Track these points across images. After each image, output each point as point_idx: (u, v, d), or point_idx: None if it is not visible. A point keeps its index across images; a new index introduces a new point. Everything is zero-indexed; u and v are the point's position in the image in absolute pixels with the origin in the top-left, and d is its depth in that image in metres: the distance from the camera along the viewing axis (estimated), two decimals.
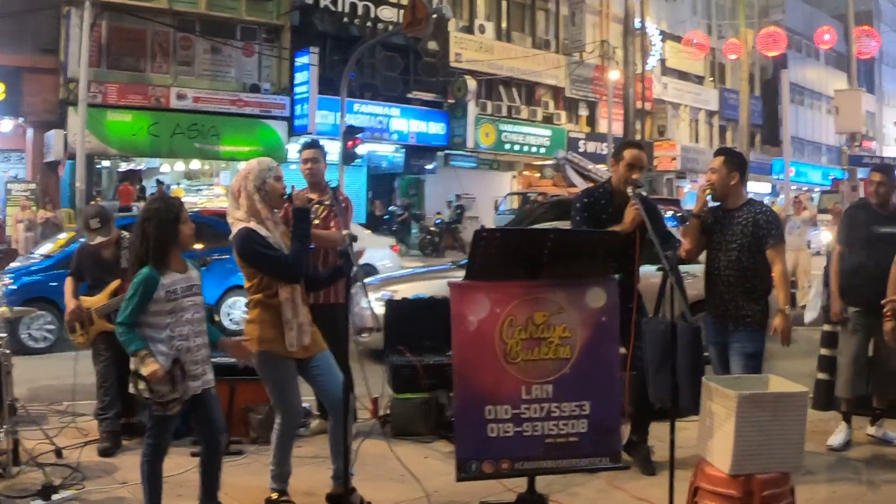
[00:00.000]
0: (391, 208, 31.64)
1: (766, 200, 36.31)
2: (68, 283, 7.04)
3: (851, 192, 27.65)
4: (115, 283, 6.85)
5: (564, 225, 10.73)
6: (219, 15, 27.53)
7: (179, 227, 4.87)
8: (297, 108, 28.39)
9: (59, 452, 6.42)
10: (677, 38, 42.68)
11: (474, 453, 5.11)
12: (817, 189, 47.72)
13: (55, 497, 5.52)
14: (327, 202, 6.69)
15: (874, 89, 62.62)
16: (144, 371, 4.62)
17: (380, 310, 8.50)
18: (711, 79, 48.88)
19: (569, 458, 5.24)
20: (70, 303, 6.91)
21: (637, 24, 32.65)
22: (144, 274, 4.75)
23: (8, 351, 6.28)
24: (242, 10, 27.97)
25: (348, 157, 24.85)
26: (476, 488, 5.55)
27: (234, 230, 5.20)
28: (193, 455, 5.11)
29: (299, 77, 28.34)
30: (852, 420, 7.01)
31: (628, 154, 6.22)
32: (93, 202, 19.88)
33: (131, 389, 4.82)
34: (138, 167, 29.79)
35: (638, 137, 30.62)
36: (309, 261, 6.14)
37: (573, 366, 5.20)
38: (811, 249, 18.33)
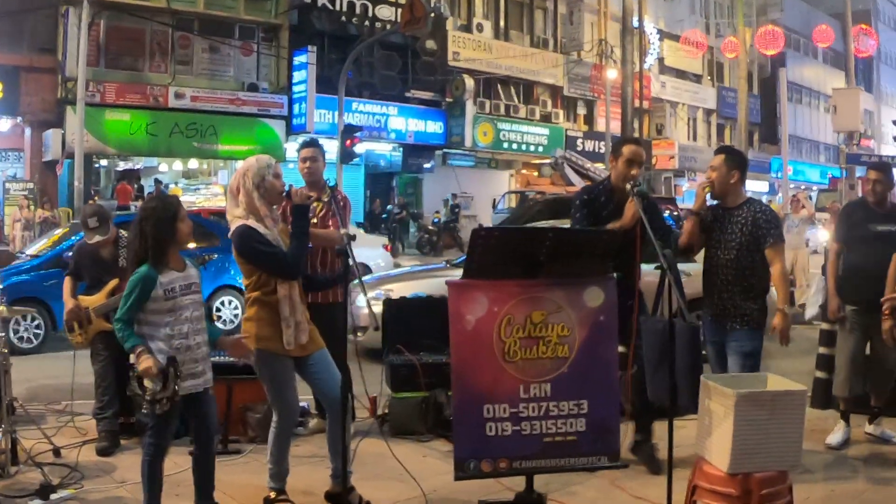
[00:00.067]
0: (388, 207, 31.65)
1: (764, 199, 36.33)
2: (66, 283, 7.03)
3: (849, 190, 27.69)
4: (113, 283, 6.85)
5: (559, 223, 10.76)
6: (217, 14, 27.53)
7: (177, 225, 4.87)
8: (296, 107, 28.39)
9: (57, 452, 6.41)
10: (675, 37, 42.75)
11: (473, 452, 5.11)
12: (815, 188, 47.82)
13: (53, 496, 5.52)
14: (325, 199, 6.69)
15: (872, 88, 62.67)
16: (139, 367, 4.61)
17: (375, 309, 8.50)
18: (709, 77, 48.89)
19: (567, 456, 5.24)
20: (68, 302, 6.90)
21: (635, 22, 32.63)
22: (142, 272, 4.75)
23: (6, 350, 6.27)
24: (240, 10, 27.98)
25: (346, 155, 24.83)
26: (474, 487, 5.55)
27: (233, 228, 5.20)
28: (191, 454, 5.11)
29: (297, 76, 28.36)
30: (851, 418, 7.01)
31: (627, 150, 6.21)
32: (91, 201, 19.89)
33: (129, 392, 4.82)
34: (136, 166, 29.76)
35: (636, 136, 30.59)
36: (308, 260, 6.14)
37: (571, 365, 5.20)
38: (809, 248, 18.34)
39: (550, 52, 38.10)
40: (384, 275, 12.24)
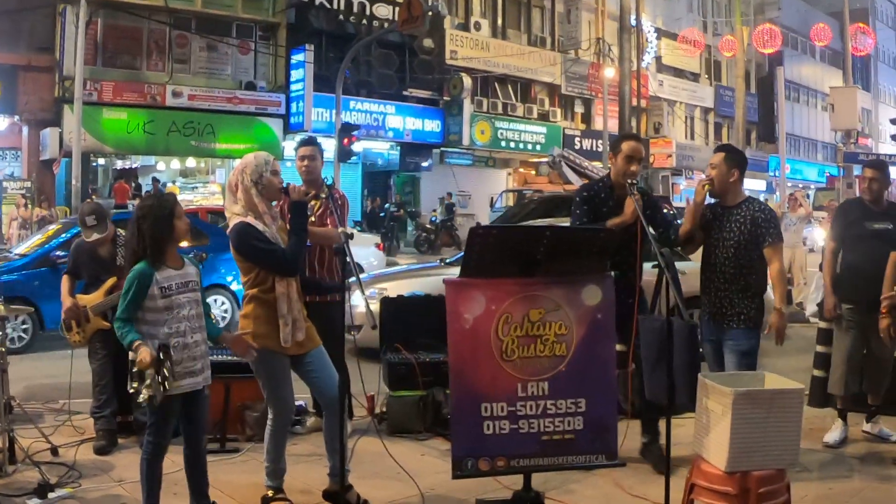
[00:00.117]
0: (386, 206, 31.66)
1: (762, 197, 36.33)
2: (64, 281, 7.02)
3: (847, 189, 27.69)
4: (111, 281, 6.85)
5: (554, 221, 10.76)
6: (214, 12, 27.52)
7: (174, 222, 4.86)
8: (293, 106, 28.37)
9: (55, 451, 6.40)
10: (673, 36, 42.74)
11: (470, 451, 5.11)
12: (813, 186, 47.83)
13: (51, 495, 5.51)
14: (324, 196, 6.68)
15: (869, 86, 62.72)
16: (137, 359, 4.60)
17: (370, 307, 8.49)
18: (707, 76, 48.94)
19: (565, 455, 5.24)
20: (66, 301, 6.89)
21: (633, 21, 32.65)
22: (138, 269, 4.75)
23: (4, 349, 6.26)
24: (238, 8, 27.97)
25: (344, 154, 24.84)
26: (472, 486, 5.56)
27: (231, 224, 5.20)
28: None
29: (295, 74, 28.36)
30: (848, 417, 7.01)
31: (626, 146, 6.21)
32: (88, 200, 19.88)
33: (130, 389, 4.81)
34: (134, 165, 29.76)
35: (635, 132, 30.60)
36: (306, 259, 6.14)
37: (569, 363, 5.20)
38: (806, 246, 18.36)
39: (548, 50, 38.14)
40: (378, 273, 12.23)
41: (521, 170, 37.66)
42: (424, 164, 33.68)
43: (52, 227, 13.21)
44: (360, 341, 8.57)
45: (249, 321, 5.20)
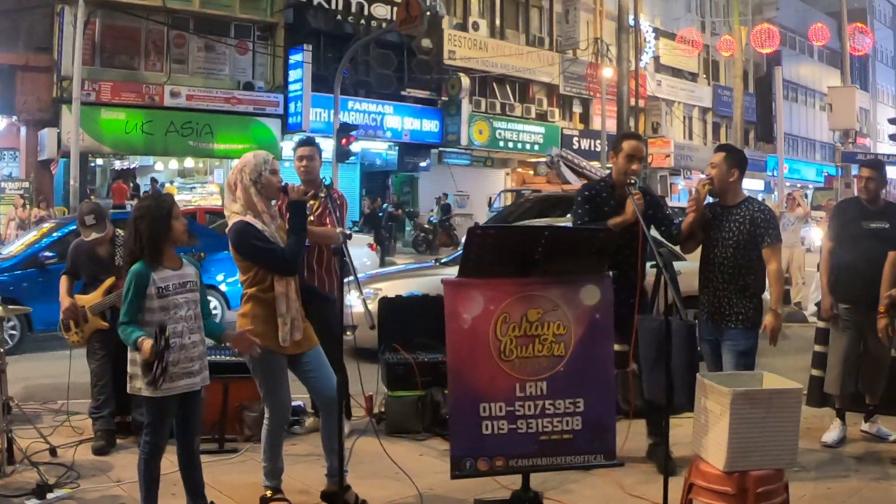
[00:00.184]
0: (384, 206, 31.65)
1: (760, 197, 36.34)
2: (63, 281, 7.02)
3: (845, 188, 27.68)
4: (109, 281, 6.85)
5: (549, 221, 10.76)
6: (212, 13, 27.49)
7: (172, 222, 4.86)
8: (291, 106, 28.36)
9: (53, 451, 6.40)
10: (671, 35, 42.76)
11: (469, 451, 5.11)
12: (811, 186, 47.86)
13: (50, 496, 5.51)
14: (323, 196, 6.68)
15: (868, 86, 62.75)
16: (142, 351, 4.59)
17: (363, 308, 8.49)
18: (705, 76, 48.94)
19: (563, 455, 5.24)
20: (65, 301, 6.89)
21: (631, 21, 32.65)
22: (135, 270, 4.75)
23: (2, 349, 6.27)
24: (236, 8, 27.95)
25: (342, 154, 24.83)
26: (471, 486, 5.56)
27: (230, 223, 5.20)
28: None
29: (293, 74, 28.34)
30: (846, 416, 7.02)
31: (627, 145, 6.22)
32: (87, 200, 19.86)
33: (130, 390, 4.82)
34: (132, 165, 29.74)
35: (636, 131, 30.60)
36: (304, 258, 6.14)
37: (567, 363, 5.20)
38: (804, 246, 18.37)
39: (546, 50, 38.14)
40: (373, 273, 12.23)
41: (520, 170, 37.65)
42: (423, 164, 33.66)
43: (41, 228, 13.10)
44: (359, 341, 8.58)
45: (248, 320, 5.20)
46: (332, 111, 26.01)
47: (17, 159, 26.57)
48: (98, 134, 24.85)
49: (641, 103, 37.78)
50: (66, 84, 24.00)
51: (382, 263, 23.65)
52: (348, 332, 9.16)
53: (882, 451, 6.73)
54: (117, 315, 6.07)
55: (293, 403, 6.09)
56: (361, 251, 16.89)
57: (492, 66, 34.96)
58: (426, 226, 31.08)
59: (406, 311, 8.05)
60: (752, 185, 44.99)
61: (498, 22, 36.62)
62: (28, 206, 23.14)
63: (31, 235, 12.93)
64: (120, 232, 6.84)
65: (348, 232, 5.61)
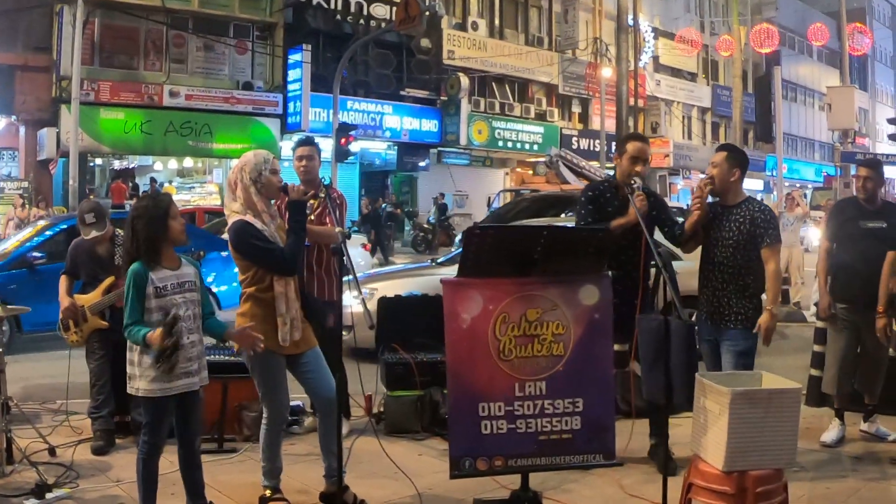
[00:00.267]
0: (383, 206, 31.64)
1: (759, 197, 36.34)
2: (62, 281, 7.02)
3: (844, 188, 27.67)
4: (108, 280, 6.85)
5: (544, 221, 10.77)
6: (212, 12, 27.49)
7: (169, 222, 4.85)
8: (290, 106, 28.37)
9: (52, 451, 6.40)
10: (670, 35, 42.77)
11: (468, 450, 5.11)
12: (810, 186, 47.84)
13: (49, 496, 5.51)
14: (322, 196, 6.68)
15: (867, 86, 62.77)
16: (153, 343, 4.59)
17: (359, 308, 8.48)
18: (704, 76, 48.94)
19: (562, 455, 5.24)
20: (64, 300, 6.89)
21: (630, 20, 32.66)
22: (133, 270, 4.74)
23: (1, 349, 6.26)
24: (235, 8, 27.95)
25: (341, 154, 24.82)
26: (470, 485, 5.56)
27: (230, 223, 5.19)
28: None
29: (292, 74, 28.35)
30: (845, 416, 7.02)
31: (631, 147, 6.22)
32: (86, 199, 19.85)
33: (129, 389, 4.81)
34: (131, 165, 29.74)
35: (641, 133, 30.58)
36: (303, 258, 6.13)
37: (566, 363, 5.20)
38: (803, 246, 18.37)
39: (545, 50, 38.15)
40: (368, 273, 12.23)
41: (519, 169, 37.65)
42: (422, 163, 33.66)
43: (31, 229, 12.93)
44: (359, 342, 8.58)
45: (246, 319, 5.19)
46: (331, 111, 25.99)
47: (16, 159, 26.59)
48: (97, 134, 24.85)
49: (640, 103, 37.84)
50: (65, 84, 24.01)
51: (385, 262, 23.71)
52: (345, 332, 9.16)
53: (881, 451, 6.73)
54: (116, 314, 6.09)
55: (292, 403, 6.09)
56: (355, 251, 16.90)
57: (491, 65, 34.98)
58: (425, 226, 31.07)
59: (405, 310, 8.05)
60: (751, 184, 44.96)
61: (497, 22, 36.63)
62: (27, 206, 23.12)
63: (22, 235, 12.72)
64: (119, 231, 6.84)
65: (347, 231, 5.61)
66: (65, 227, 11.72)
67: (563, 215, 14.69)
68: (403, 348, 7.48)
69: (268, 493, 5.32)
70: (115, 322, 6.47)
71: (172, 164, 30.03)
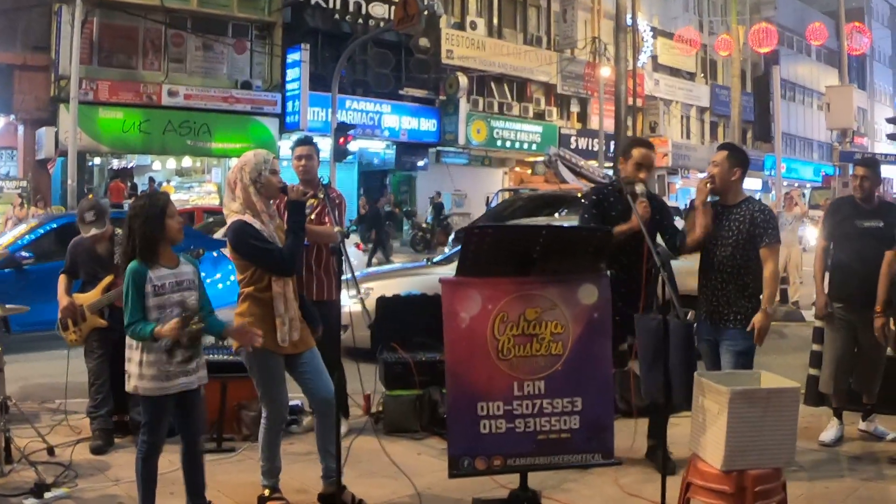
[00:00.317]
0: (385, 207, 31.62)
1: (757, 196, 36.34)
2: (61, 280, 7.02)
3: (843, 188, 27.67)
4: (107, 279, 6.85)
5: (541, 220, 10.77)
6: (210, 12, 27.50)
7: (166, 221, 4.85)
8: (289, 105, 28.37)
9: (51, 451, 6.40)
10: (669, 35, 42.78)
11: (467, 450, 5.11)
12: (809, 185, 47.86)
13: (48, 495, 5.51)
14: (321, 195, 6.68)
15: (865, 86, 62.83)
16: (168, 335, 4.60)
17: (356, 308, 8.46)
18: (703, 75, 48.93)
19: (561, 454, 5.24)
20: (63, 300, 6.89)
21: (629, 20, 32.66)
22: (131, 268, 4.74)
23: (0, 348, 6.26)
24: (234, 7, 27.96)
25: (340, 153, 24.81)
26: (469, 485, 5.56)
27: (229, 222, 5.19)
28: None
29: (291, 74, 28.35)
30: (844, 416, 7.02)
31: (637, 153, 6.21)
32: (85, 198, 19.83)
33: (128, 388, 4.81)
34: (129, 164, 29.74)
35: (629, 134, 30.61)
36: (302, 258, 6.13)
37: (565, 362, 5.20)
38: (801, 245, 18.37)
39: (544, 49, 38.15)
40: (365, 273, 12.23)
41: (518, 169, 37.65)
42: (420, 163, 33.64)
43: (20, 229, 12.78)
44: (358, 341, 8.55)
45: (244, 319, 5.20)
46: (329, 110, 25.96)
47: (14, 158, 26.59)
48: (96, 133, 24.85)
49: (639, 102, 37.85)
50: (63, 83, 24.01)
51: (387, 262, 23.70)
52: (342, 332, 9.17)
53: (879, 451, 6.74)
54: (115, 313, 6.09)
55: (291, 403, 6.08)
56: (349, 251, 16.88)
57: (489, 65, 34.97)
58: (424, 225, 31.07)
59: (403, 309, 8.05)
60: (749, 184, 44.83)
61: (496, 21, 36.63)
62: (26, 206, 23.12)
63: (11, 235, 12.51)
64: (119, 230, 6.84)
65: (346, 231, 5.61)
66: (54, 227, 11.68)
67: (557, 214, 14.71)
68: (402, 348, 7.48)
69: (267, 492, 5.32)
70: (114, 321, 6.47)
71: (171, 163, 30.03)
